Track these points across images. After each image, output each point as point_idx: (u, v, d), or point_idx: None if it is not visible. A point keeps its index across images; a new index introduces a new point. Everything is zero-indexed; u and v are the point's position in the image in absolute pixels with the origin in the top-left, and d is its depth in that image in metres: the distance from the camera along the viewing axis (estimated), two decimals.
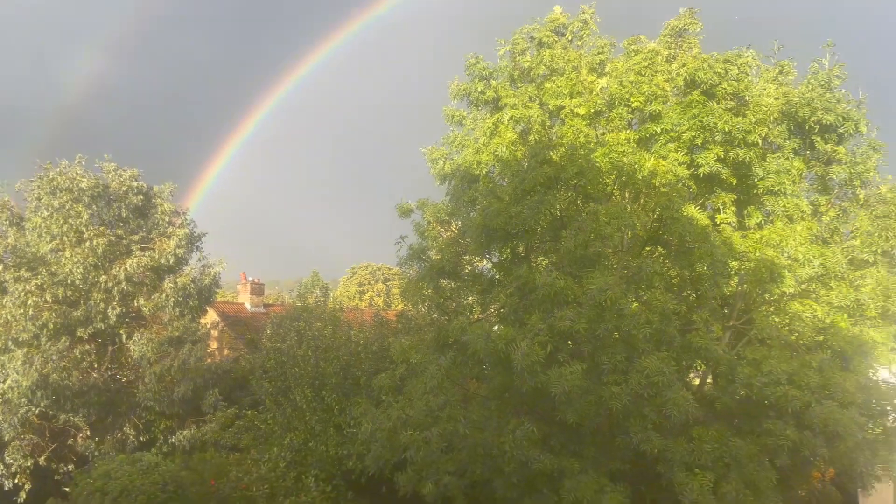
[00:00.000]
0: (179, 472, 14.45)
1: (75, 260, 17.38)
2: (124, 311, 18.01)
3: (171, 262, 18.65)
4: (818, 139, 13.21)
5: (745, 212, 13.12)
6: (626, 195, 12.27)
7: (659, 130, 13.04)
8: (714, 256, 10.82)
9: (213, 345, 22.20)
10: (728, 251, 11.20)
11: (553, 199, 11.27)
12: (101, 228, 18.36)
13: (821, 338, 11.56)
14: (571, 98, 13.77)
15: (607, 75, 14.21)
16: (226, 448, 16.87)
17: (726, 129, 12.48)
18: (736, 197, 13.19)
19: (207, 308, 21.23)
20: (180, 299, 18.31)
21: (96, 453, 17.13)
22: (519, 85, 14.69)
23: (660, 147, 12.91)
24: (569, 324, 9.74)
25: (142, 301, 18.15)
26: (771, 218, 12.80)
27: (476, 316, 13.22)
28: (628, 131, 13.39)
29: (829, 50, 13.76)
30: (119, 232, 18.60)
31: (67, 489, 16.52)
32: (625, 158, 11.49)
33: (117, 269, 17.74)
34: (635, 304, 10.29)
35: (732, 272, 11.55)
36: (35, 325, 16.89)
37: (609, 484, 10.03)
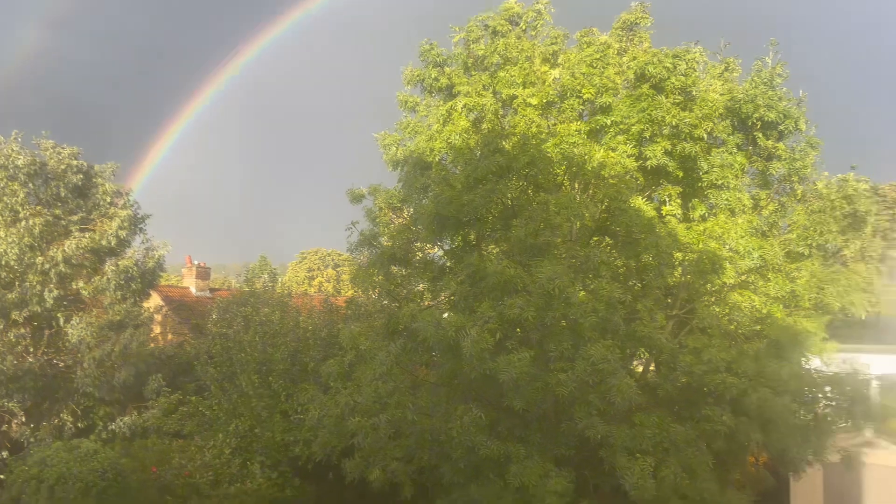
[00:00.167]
0: (119, 460, 14.12)
1: (10, 240, 16.72)
2: (62, 293, 17.42)
3: (113, 243, 18.12)
4: (760, 135, 13.62)
5: (690, 204, 13.45)
6: (576, 186, 12.44)
7: (609, 122, 13.24)
8: (659, 247, 11.08)
9: (157, 329, 21.69)
10: (673, 242, 11.48)
11: (505, 188, 11.36)
12: (38, 208, 17.68)
13: (758, 327, 11.98)
14: (524, 88, 13.86)
15: (560, 66, 14.33)
16: (169, 435, 16.56)
17: (674, 123, 12.77)
18: (681, 190, 13.51)
19: (151, 292, 20.72)
20: (122, 282, 17.81)
21: (32, 440, 16.59)
22: (473, 73, 14.69)
23: (609, 139, 13.12)
24: (518, 312, 9.85)
25: (81, 284, 17.58)
26: (714, 211, 13.15)
27: (426, 303, 13.25)
28: (579, 122, 13.56)
29: (772, 48, 14.17)
30: (57, 212, 17.94)
31: (2, 476, 15.96)
32: (575, 149, 11.64)
33: (55, 250, 17.13)
34: (582, 293, 10.47)
35: (676, 263, 11.85)
36: None
37: (554, 469, 10.21)
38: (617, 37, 14.70)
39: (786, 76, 13.88)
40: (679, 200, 13.60)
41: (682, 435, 10.30)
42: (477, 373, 9.93)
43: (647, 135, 12.93)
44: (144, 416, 17.18)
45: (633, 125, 12.96)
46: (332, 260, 62.59)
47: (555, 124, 13.64)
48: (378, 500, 15.33)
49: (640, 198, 12.05)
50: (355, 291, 15.50)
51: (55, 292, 17.06)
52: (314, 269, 61.91)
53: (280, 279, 23.90)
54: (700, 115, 13.14)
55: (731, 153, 13.26)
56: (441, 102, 14.85)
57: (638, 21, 14.72)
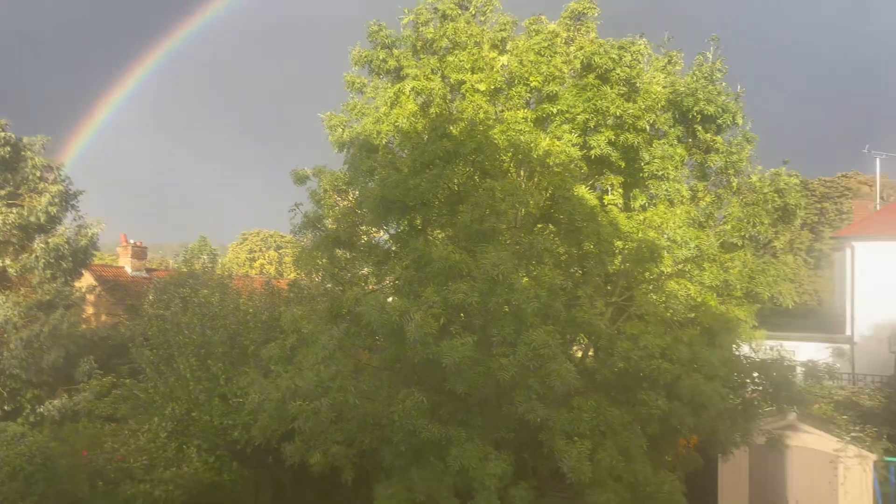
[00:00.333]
0: (48, 443, 13.67)
1: None
2: None
3: (43, 220, 17.41)
4: (699, 128, 13.98)
5: (631, 194, 13.74)
6: (522, 173, 12.54)
7: (555, 111, 13.38)
8: (601, 236, 11.28)
9: (90, 310, 20.99)
10: (614, 231, 11.70)
11: (451, 173, 11.36)
12: None
13: (692, 315, 12.34)
14: (473, 73, 13.86)
15: (508, 53, 14.38)
16: (101, 419, 16.11)
17: (618, 114, 13.00)
18: (623, 179, 13.79)
19: (83, 271, 20.03)
20: (52, 261, 17.15)
21: None
22: (421, 56, 14.61)
23: (555, 127, 13.27)
24: (462, 297, 9.89)
25: (8, 261, 16.85)
26: (654, 201, 13.46)
27: (371, 287, 13.19)
28: (526, 110, 13.65)
29: (713, 44, 14.54)
30: None
31: None
32: (522, 137, 11.72)
33: None
34: (525, 280, 10.59)
35: (617, 251, 12.10)
36: None
37: (493, 452, 10.35)
38: (565, 26, 14.84)
39: (725, 71, 14.27)
40: (621, 190, 13.89)
41: (619, 418, 10.56)
42: (420, 357, 9.96)
43: (591, 124, 13.13)
44: (75, 399, 16.65)
45: (578, 114, 13.13)
46: (275, 242, 61.64)
47: (502, 111, 13.71)
48: (318, 484, 15.31)
49: (584, 187, 12.23)
50: (298, 274, 15.27)
51: None
52: (256, 251, 60.86)
53: (220, 260, 23.40)
54: (643, 107, 13.39)
55: (671, 145, 13.57)
56: (389, 85, 14.71)
57: (585, 11, 14.89)
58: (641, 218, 12.47)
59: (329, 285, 13.85)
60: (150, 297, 18.40)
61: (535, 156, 11.67)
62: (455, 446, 10.36)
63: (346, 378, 10.80)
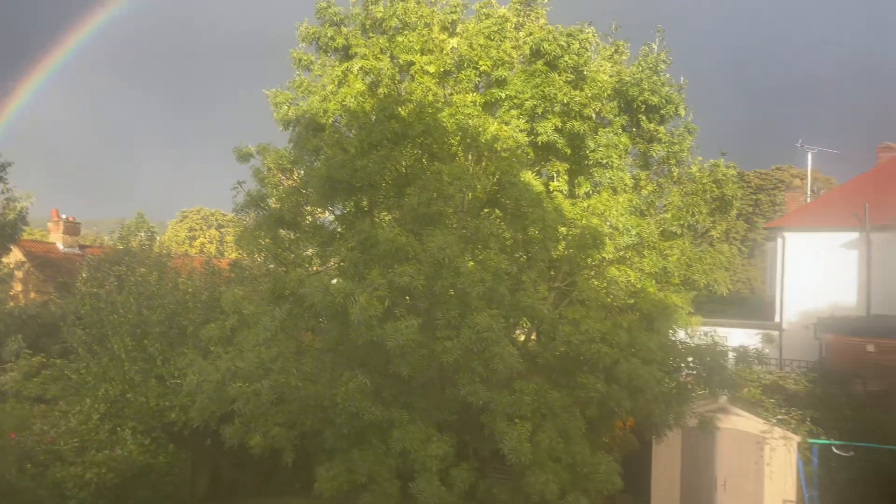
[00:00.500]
0: None
1: None
2: None
3: None
4: (643, 118, 14.24)
5: (576, 181, 13.92)
6: (470, 157, 12.55)
7: (504, 96, 13.42)
8: (546, 222, 11.39)
9: (18, 287, 20.15)
10: (558, 217, 11.84)
11: (399, 154, 11.29)
12: None
13: (632, 301, 12.62)
14: (422, 55, 13.75)
15: (458, 36, 14.32)
16: (30, 399, 15.54)
17: (565, 101, 13.11)
18: (569, 167, 13.94)
19: (11, 247, 19.19)
20: None
21: None
22: (371, 35, 14.40)
23: (503, 113, 13.31)
24: (408, 280, 9.87)
25: None
26: (598, 189, 13.67)
27: (315, 268, 13.03)
28: (475, 94, 13.65)
29: (658, 35, 14.79)
30: None
31: None
32: (470, 121, 11.72)
33: None
34: (471, 263, 10.64)
35: (561, 237, 12.25)
36: None
37: (436, 434, 10.42)
38: (515, 11, 14.84)
39: (669, 63, 14.54)
40: (566, 177, 14.04)
41: (559, 401, 10.75)
42: (364, 339, 9.90)
43: (539, 111, 13.21)
44: (2, 379, 16.01)
45: (526, 100, 13.19)
46: (216, 220, 60.24)
47: (451, 94, 13.67)
48: (257, 466, 15.16)
49: (530, 173, 12.33)
50: (240, 254, 14.98)
51: None
52: (196, 229, 59.38)
53: (158, 238, 22.73)
54: (590, 95, 13.55)
55: (616, 134, 13.78)
56: (337, 63, 14.47)
57: None
58: (585, 205, 12.65)
59: (272, 266, 13.64)
60: (84, 275, 17.77)
61: (482, 140, 11.69)
62: (398, 428, 10.38)
63: (288, 360, 10.68)
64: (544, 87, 13.09)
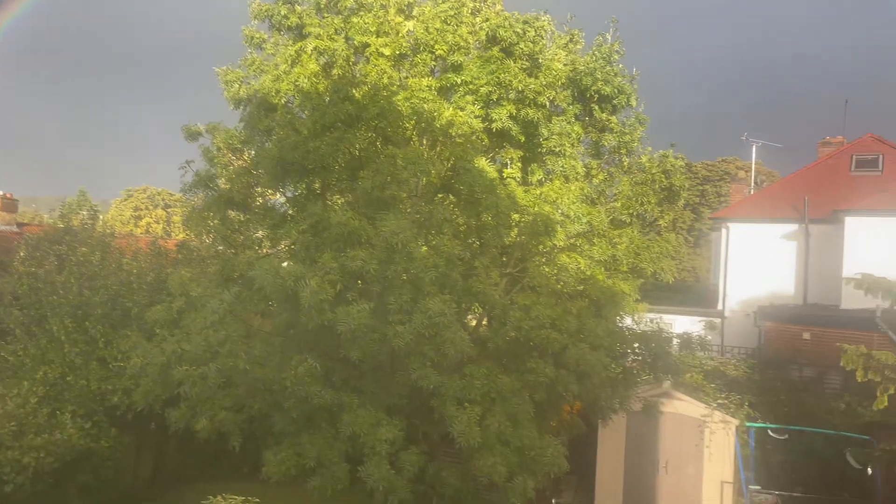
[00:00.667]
0: None
1: None
2: None
3: None
4: (596, 107, 14.41)
5: (530, 169, 14.03)
6: (424, 142, 12.51)
7: (459, 81, 13.40)
8: (499, 208, 11.46)
9: None
10: (511, 204, 11.92)
11: (353, 137, 11.17)
12: None
13: (581, 288, 12.83)
14: (377, 37, 13.61)
15: (414, 19, 14.22)
16: None
17: (520, 88, 13.18)
18: (522, 154, 14.04)
19: None
20: None
21: None
22: (325, 15, 14.18)
23: (459, 98, 13.31)
24: (360, 264, 9.81)
25: None
26: (550, 176, 13.82)
27: (265, 251, 12.84)
28: (430, 78, 13.59)
29: (612, 26, 14.95)
30: None
31: None
32: (425, 105, 11.66)
33: None
34: (424, 249, 10.63)
35: (513, 224, 12.36)
36: None
37: (385, 418, 10.42)
38: None
39: (622, 53, 14.74)
40: (519, 164, 14.15)
41: (508, 385, 10.88)
42: (315, 323, 9.82)
43: (494, 97, 13.25)
44: None
45: (481, 86, 13.21)
46: (163, 200, 58.73)
47: (406, 77, 13.58)
48: (203, 450, 14.94)
49: (484, 159, 12.36)
50: (187, 235, 14.62)
51: None
52: (142, 209, 57.80)
53: (102, 217, 22.02)
54: (544, 83, 13.64)
55: (569, 122, 13.93)
56: (290, 42, 14.21)
57: None
58: (538, 192, 12.77)
59: (221, 247, 13.37)
60: (21, 254, 17.10)
61: (437, 125, 11.66)
62: (347, 412, 10.35)
63: (236, 343, 10.53)
64: (500, 74, 13.12)
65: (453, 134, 11.86)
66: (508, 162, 14.02)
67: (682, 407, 15.95)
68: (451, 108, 12.17)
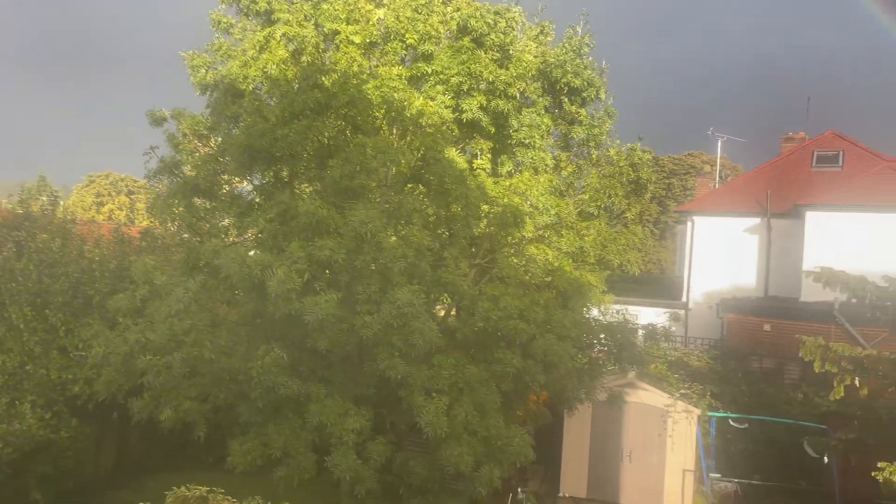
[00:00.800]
0: None
1: None
2: None
3: None
4: (566, 100, 14.50)
5: (499, 160, 14.07)
6: (394, 131, 12.45)
7: (430, 71, 13.35)
8: (468, 199, 11.47)
9: None
10: (481, 195, 11.94)
11: (322, 125, 11.06)
12: None
13: (549, 279, 12.93)
14: (348, 24, 13.48)
15: (385, 7, 14.10)
16: None
17: (490, 79, 13.18)
18: (492, 145, 14.07)
19: None
20: None
21: None
22: (294, 1, 13.99)
23: (429, 88, 13.26)
24: (328, 253, 9.75)
25: None
26: (520, 168, 13.87)
27: (231, 239, 12.67)
28: (401, 67, 13.52)
29: (583, 19, 15.03)
30: None
31: None
32: (395, 94, 11.60)
33: None
34: (393, 238, 10.60)
35: (483, 215, 12.39)
36: None
37: (353, 408, 10.40)
38: None
39: (592, 46, 14.83)
40: (489, 155, 14.17)
41: (476, 376, 10.93)
42: (282, 313, 9.74)
43: (464, 88, 13.23)
44: None
45: (452, 77, 13.18)
46: (126, 186, 57.61)
47: (376, 66, 13.49)
48: (167, 440, 14.76)
49: (454, 150, 12.35)
50: (152, 222, 14.35)
51: None
52: (104, 195, 56.62)
53: (63, 203, 21.49)
54: (515, 74, 13.66)
55: (539, 114, 13.99)
56: (259, 28, 14.01)
57: None
58: (507, 184, 12.81)
59: (186, 235, 13.17)
60: None
61: (408, 115, 11.61)
62: (314, 403, 10.30)
63: (201, 332, 10.39)
64: (470, 64, 13.11)
65: (423, 124, 11.82)
66: (478, 153, 14.03)
67: (646, 397, 16.21)
68: (421, 98, 12.12)
